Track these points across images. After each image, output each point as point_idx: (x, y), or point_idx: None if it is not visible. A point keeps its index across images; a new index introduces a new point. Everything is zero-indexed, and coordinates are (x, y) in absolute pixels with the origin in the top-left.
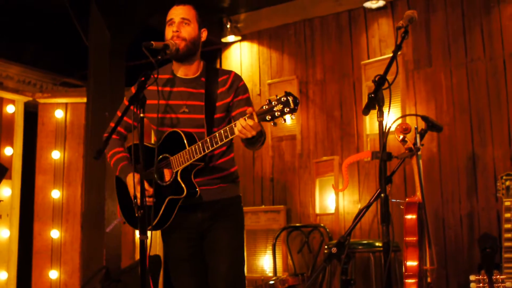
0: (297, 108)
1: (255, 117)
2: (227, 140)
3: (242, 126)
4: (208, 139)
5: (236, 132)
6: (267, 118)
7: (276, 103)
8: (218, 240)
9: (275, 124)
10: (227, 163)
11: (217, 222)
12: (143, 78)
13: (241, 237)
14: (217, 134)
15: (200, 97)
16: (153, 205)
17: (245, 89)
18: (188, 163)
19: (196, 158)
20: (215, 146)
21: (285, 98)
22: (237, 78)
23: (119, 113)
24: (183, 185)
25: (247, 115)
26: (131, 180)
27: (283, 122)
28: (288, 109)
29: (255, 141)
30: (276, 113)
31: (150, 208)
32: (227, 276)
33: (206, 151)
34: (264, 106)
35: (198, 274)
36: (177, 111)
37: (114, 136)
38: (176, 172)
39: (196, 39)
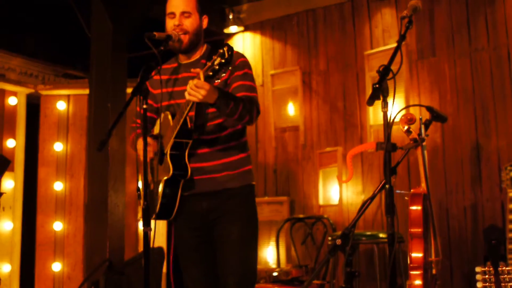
0: (231, 56)
1: (201, 75)
2: (188, 107)
3: (189, 87)
4: (178, 112)
5: (186, 96)
6: (209, 74)
7: (215, 57)
8: (226, 233)
9: (221, 81)
10: (236, 147)
11: (225, 214)
12: (144, 69)
13: (252, 230)
14: (182, 105)
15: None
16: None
17: (243, 65)
18: (171, 140)
19: (174, 133)
20: (183, 115)
21: (221, 50)
22: (237, 55)
23: (138, 108)
24: (170, 164)
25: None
26: (140, 145)
27: (223, 75)
28: (223, 60)
29: (224, 107)
30: (215, 67)
31: (152, 197)
32: (236, 271)
33: (180, 122)
34: (207, 63)
35: (205, 263)
36: (182, 96)
37: (133, 125)
38: (166, 152)
39: (198, 29)
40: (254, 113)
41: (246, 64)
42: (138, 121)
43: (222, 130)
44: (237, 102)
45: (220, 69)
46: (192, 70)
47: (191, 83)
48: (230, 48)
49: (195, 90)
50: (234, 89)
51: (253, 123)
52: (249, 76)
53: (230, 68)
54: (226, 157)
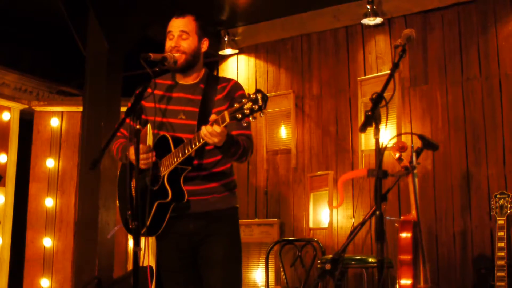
0: (265, 106)
1: (226, 116)
2: (199, 144)
3: (207, 131)
4: (187, 141)
5: (202, 135)
6: (237, 117)
7: (246, 101)
8: (211, 254)
9: (246, 123)
10: (223, 172)
11: (210, 235)
12: (139, 90)
13: (236, 251)
14: (192, 137)
15: (197, 103)
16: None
17: (242, 98)
18: (172, 166)
19: (178, 161)
20: (192, 149)
21: (254, 96)
22: (236, 86)
23: (128, 120)
24: (168, 189)
25: (214, 120)
26: (132, 150)
27: (252, 119)
28: (256, 107)
29: (226, 150)
30: (245, 111)
31: (143, 214)
32: None
33: (187, 153)
34: (235, 105)
35: (189, 284)
36: (175, 116)
37: (118, 134)
38: (163, 176)
39: (196, 51)
40: (250, 154)
41: (244, 98)
42: (123, 131)
43: (213, 155)
44: (239, 146)
45: (250, 114)
46: (212, 117)
47: (210, 128)
48: (265, 96)
49: (213, 135)
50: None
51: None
52: None
53: (261, 115)
54: (214, 181)
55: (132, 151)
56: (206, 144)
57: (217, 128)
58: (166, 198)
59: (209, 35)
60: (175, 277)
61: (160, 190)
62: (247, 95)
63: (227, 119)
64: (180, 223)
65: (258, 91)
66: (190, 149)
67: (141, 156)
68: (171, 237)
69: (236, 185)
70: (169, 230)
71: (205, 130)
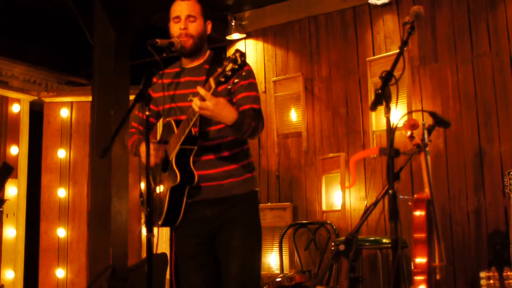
0: (244, 61)
1: (212, 82)
2: (194, 118)
3: (196, 101)
4: (186, 118)
5: (194, 107)
6: (221, 80)
7: (227, 63)
8: (230, 240)
9: (231, 85)
10: (239, 154)
11: (229, 221)
12: (145, 76)
13: (256, 236)
14: (190, 112)
15: (202, 84)
16: (158, 197)
17: (248, 74)
18: (176, 147)
19: (180, 141)
20: (191, 124)
21: (233, 56)
22: None
23: (136, 112)
24: (177, 172)
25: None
26: (143, 148)
27: (236, 81)
28: (236, 66)
29: (235, 129)
30: (227, 73)
31: (157, 204)
32: (238, 279)
33: (186, 130)
34: (218, 70)
35: (205, 271)
36: (183, 100)
37: (132, 131)
38: (171, 159)
39: (202, 33)
40: (260, 129)
41: (251, 73)
42: (136, 125)
43: (224, 136)
44: (249, 123)
45: (233, 74)
46: (199, 88)
47: (200, 91)
48: (242, 54)
49: (206, 106)
50: (240, 100)
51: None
52: (254, 86)
53: (243, 73)
54: (230, 164)
55: (142, 148)
56: (205, 119)
57: (201, 91)
58: (176, 181)
59: (211, 17)
60: (192, 263)
61: (170, 174)
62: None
63: (213, 85)
64: (197, 209)
65: (236, 50)
66: (187, 125)
67: (151, 152)
68: (189, 222)
69: (254, 168)
70: (186, 217)
71: (195, 100)
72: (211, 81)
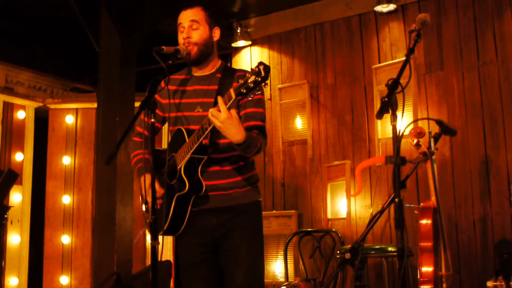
0: (267, 76)
1: (232, 93)
2: (210, 128)
3: (213, 111)
4: (199, 128)
5: (210, 117)
6: (242, 92)
7: (249, 75)
8: (234, 248)
9: (251, 96)
10: (245, 167)
11: (233, 230)
12: (151, 83)
13: (259, 245)
14: (203, 123)
15: (213, 93)
16: (164, 205)
17: (258, 89)
18: (187, 156)
19: (192, 149)
20: (206, 133)
21: (256, 68)
22: None
23: (142, 116)
24: (185, 180)
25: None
26: (143, 182)
27: (258, 93)
28: (259, 78)
29: (245, 148)
30: (250, 85)
31: (161, 212)
32: (244, 285)
33: (198, 141)
34: (240, 81)
35: (209, 279)
36: (191, 110)
37: (135, 139)
38: (180, 168)
39: (207, 40)
40: (263, 148)
41: (260, 88)
42: (140, 130)
43: (232, 149)
44: (256, 144)
45: (255, 87)
46: (218, 98)
47: (217, 107)
48: (266, 67)
49: (222, 118)
50: (247, 115)
51: None
52: (262, 103)
53: (265, 86)
54: (235, 176)
55: (147, 182)
56: (216, 130)
57: (220, 101)
58: (184, 189)
59: (220, 24)
60: (194, 271)
61: (178, 182)
62: (250, 70)
63: (233, 96)
64: (203, 217)
65: (260, 63)
66: (201, 134)
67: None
68: (193, 230)
69: (258, 179)
70: (191, 224)
71: (212, 110)
72: (231, 92)
